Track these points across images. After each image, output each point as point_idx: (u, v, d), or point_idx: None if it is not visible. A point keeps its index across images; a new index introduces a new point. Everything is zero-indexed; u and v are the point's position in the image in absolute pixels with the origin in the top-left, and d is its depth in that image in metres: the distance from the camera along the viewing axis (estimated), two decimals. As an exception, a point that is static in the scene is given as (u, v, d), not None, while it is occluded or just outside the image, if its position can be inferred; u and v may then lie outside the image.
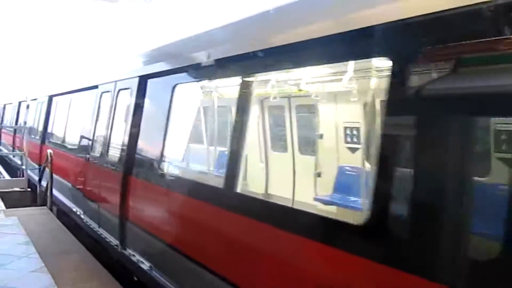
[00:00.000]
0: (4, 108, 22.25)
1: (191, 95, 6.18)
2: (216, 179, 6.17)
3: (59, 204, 9.25)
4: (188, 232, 4.48)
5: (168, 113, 5.05)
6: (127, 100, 6.19)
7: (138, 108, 5.82)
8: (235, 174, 3.71)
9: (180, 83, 5.14)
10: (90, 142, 7.52)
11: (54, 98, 11.56)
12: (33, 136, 12.63)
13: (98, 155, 7.00)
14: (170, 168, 5.42)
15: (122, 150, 6.05)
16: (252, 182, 7.05)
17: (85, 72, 9.59)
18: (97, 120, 7.43)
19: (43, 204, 9.74)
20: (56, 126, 10.97)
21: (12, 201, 10.15)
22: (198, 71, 4.72)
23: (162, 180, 5.06)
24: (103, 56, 8.71)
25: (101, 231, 6.54)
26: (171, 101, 5.05)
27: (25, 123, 14.45)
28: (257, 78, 4.15)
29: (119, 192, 5.81)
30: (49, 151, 9.70)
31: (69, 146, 9.15)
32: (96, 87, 7.71)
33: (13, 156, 15.08)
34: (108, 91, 7.06)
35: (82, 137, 8.26)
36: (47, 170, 9.56)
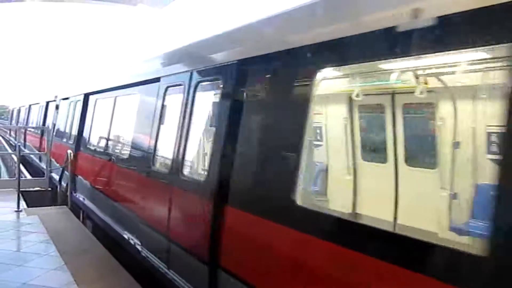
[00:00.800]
0: (29, 108, 21.03)
1: (358, 84, 4.46)
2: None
3: (104, 226, 7.38)
4: None
5: (303, 114, 3.18)
6: (214, 95, 4.44)
7: (236, 107, 3.92)
8: None
9: (335, 65, 3.32)
10: (151, 153, 5.58)
11: (92, 97, 9.55)
12: (64, 141, 10.92)
13: (166, 171, 5.12)
14: (317, 201, 3.85)
15: (212, 167, 4.16)
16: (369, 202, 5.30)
17: (137, 63, 7.42)
18: (160, 123, 5.50)
19: (63, 203, 9.87)
20: (95, 130, 8.96)
21: (33, 200, 10.30)
22: (386, 43, 2.69)
23: (298, 221, 3.14)
24: (165, 39, 6.33)
25: (173, 275, 4.70)
26: (309, 96, 3.17)
27: (54, 125, 12.99)
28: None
29: (208, 227, 4.05)
30: (68, 151, 9.77)
31: (116, 156, 7.29)
32: (156, 80, 5.80)
33: (40, 161, 14.04)
34: (178, 85, 5.21)
35: (136, 145, 6.37)
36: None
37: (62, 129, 11.78)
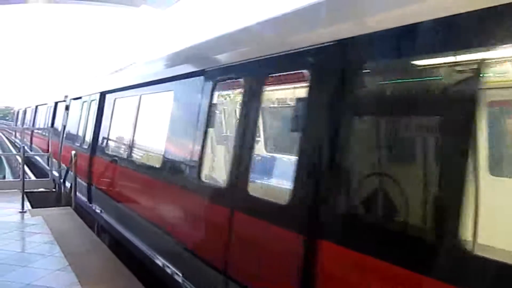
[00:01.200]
0: (35, 110, 19.97)
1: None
2: None
3: (127, 244, 6.29)
4: None
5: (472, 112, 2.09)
6: (298, 90, 3.33)
7: (339, 106, 2.79)
8: None
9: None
10: (196, 163, 4.40)
11: (109, 96, 8.41)
12: (77, 145, 9.84)
13: (222, 186, 3.94)
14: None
15: (301, 187, 2.99)
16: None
17: (169, 54, 6.01)
18: (208, 125, 4.39)
19: (67, 204, 9.89)
20: (115, 133, 7.90)
21: (38, 201, 10.33)
22: None
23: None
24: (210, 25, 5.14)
25: None
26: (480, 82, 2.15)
27: (64, 127, 11.90)
28: None
29: (297, 269, 2.89)
30: (72, 152, 9.75)
31: (145, 164, 6.24)
32: (199, 73, 4.69)
33: (48, 165, 12.86)
34: (233, 78, 4.15)
35: (172, 152, 5.24)
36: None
37: (73, 132, 10.62)
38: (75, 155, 9.54)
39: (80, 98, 10.65)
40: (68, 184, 10.23)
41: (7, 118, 57.34)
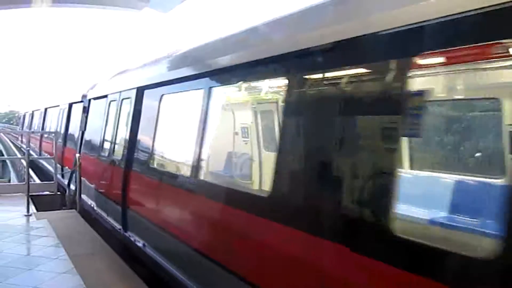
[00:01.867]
0: (44, 112, 18.42)
1: None
2: None
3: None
4: None
5: None
6: None
7: None
8: None
9: None
10: (332, 192, 2.90)
11: (150, 92, 6.42)
12: (103, 155, 8.11)
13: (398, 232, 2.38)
14: None
15: None
16: None
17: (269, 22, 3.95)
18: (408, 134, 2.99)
19: (72, 207, 9.90)
20: (167, 142, 6.01)
21: (43, 204, 10.36)
22: None
23: None
24: None
25: None
26: None
27: (82, 133, 10.22)
28: None
29: None
30: (77, 155, 9.75)
31: (218, 187, 4.55)
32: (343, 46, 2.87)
33: (62, 177, 11.66)
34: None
35: (292, 177, 3.39)
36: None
37: (96, 139, 8.82)
38: (79, 158, 9.55)
39: (104, 97, 8.75)
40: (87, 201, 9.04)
41: (12, 122, 57.72)
